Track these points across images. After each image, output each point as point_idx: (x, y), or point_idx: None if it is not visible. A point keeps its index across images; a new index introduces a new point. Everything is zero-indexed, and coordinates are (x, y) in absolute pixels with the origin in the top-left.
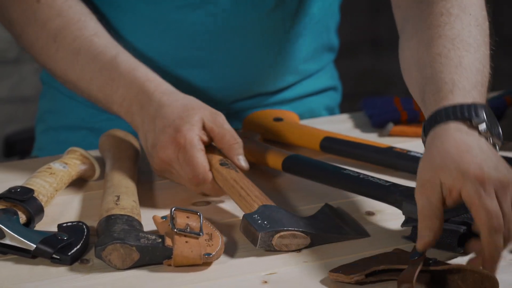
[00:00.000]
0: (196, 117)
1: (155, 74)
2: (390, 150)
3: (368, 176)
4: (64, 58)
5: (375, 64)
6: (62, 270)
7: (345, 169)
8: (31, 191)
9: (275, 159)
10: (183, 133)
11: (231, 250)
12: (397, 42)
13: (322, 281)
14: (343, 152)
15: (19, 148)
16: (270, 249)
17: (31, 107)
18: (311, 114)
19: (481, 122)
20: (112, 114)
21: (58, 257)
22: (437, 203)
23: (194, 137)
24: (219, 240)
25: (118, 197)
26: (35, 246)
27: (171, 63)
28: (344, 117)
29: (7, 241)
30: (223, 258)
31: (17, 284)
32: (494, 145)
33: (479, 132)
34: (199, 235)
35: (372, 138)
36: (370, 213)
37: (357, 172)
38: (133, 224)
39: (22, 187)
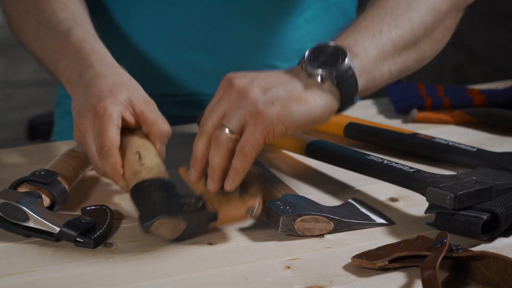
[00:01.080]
0: (125, 95)
1: (104, 47)
2: (414, 136)
3: (392, 162)
4: (29, 30)
5: None
6: (85, 253)
7: (369, 155)
8: (54, 174)
9: (298, 145)
10: (104, 105)
11: (253, 235)
12: None
13: (345, 267)
14: (367, 138)
15: (42, 131)
16: (292, 234)
17: (54, 91)
18: None
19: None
20: None
21: (82, 240)
22: None
23: (115, 111)
24: (256, 193)
25: (139, 153)
26: (58, 229)
27: (176, 46)
28: (368, 103)
29: (31, 224)
30: (246, 243)
31: (41, 267)
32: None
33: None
34: (237, 191)
35: (396, 124)
36: (394, 200)
37: (381, 158)
38: (168, 188)
39: (45, 170)
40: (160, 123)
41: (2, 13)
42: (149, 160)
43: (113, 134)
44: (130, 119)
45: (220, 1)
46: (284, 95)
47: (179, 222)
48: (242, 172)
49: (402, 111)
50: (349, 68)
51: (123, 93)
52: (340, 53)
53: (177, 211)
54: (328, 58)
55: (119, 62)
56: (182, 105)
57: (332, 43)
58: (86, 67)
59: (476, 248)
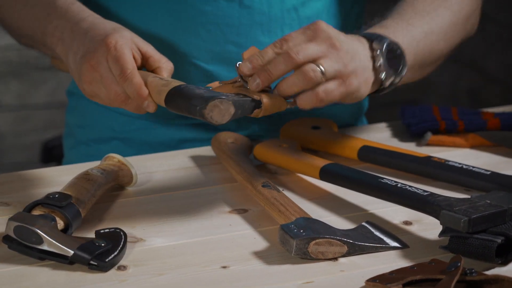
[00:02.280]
0: (128, 34)
1: (91, 11)
2: (428, 159)
3: (405, 185)
4: (18, 8)
5: None
6: (99, 276)
7: (383, 178)
8: (69, 197)
9: (312, 168)
10: (114, 37)
11: (267, 259)
12: None
13: None
14: (381, 161)
15: (56, 154)
16: (306, 257)
17: None
18: (341, 121)
19: (378, 48)
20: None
21: (96, 263)
22: None
23: (125, 42)
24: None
25: (157, 76)
26: (72, 252)
27: (201, 58)
28: (382, 126)
29: (45, 247)
30: (260, 266)
31: None
32: (376, 69)
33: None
34: (271, 88)
35: (410, 147)
36: (408, 223)
37: (395, 181)
38: (207, 89)
39: (60, 193)
40: (164, 59)
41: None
42: (170, 79)
43: (130, 57)
44: (137, 55)
45: (252, 12)
46: (361, 72)
47: (229, 106)
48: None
49: (416, 134)
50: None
51: (125, 31)
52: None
53: (228, 97)
54: (391, 60)
55: None
56: (197, 127)
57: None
58: (78, 22)
59: (490, 272)
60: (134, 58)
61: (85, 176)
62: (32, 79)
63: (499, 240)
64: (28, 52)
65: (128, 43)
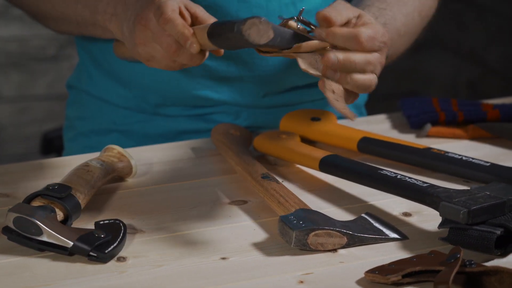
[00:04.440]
0: None
1: None
2: (428, 151)
3: (405, 177)
4: None
5: (414, 64)
6: (99, 267)
7: (383, 170)
8: (68, 188)
9: (312, 159)
10: None
11: (266, 250)
12: (437, 41)
13: (358, 282)
14: (380, 153)
15: (57, 145)
16: (306, 248)
17: None
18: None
19: None
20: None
21: (95, 254)
22: (340, 18)
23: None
24: None
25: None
26: (72, 243)
27: None
28: (382, 117)
29: (44, 238)
30: (259, 258)
31: (54, 281)
32: None
33: None
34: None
35: (410, 139)
36: (407, 214)
37: (395, 173)
38: None
39: (59, 184)
40: (211, 20)
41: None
42: None
43: (173, 5)
44: (186, 14)
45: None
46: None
47: (269, 29)
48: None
49: (416, 126)
50: None
51: None
52: None
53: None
54: None
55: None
56: (197, 119)
57: None
58: None
59: (490, 263)
60: (183, 15)
61: (84, 168)
62: (32, 70)
63: (498, 231)
64: (28, 43)
65: (175, 1)
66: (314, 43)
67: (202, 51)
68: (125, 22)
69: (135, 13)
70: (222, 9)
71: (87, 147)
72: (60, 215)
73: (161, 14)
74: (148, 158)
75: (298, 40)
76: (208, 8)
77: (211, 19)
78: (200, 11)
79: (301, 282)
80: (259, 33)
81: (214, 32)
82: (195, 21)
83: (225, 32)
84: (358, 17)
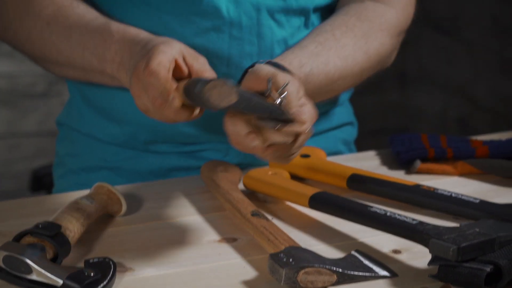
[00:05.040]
0: (178, 45)
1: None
2: (417, 187)
3: (395, 214)
4: (57, 38)
5: (403, 100)
6: None
7: (372, 207)
8: (58, 226)
9: (302, 196)
10: (158, 45)
11: (256, 287)
12: (426, 77)
13: None
14: (370, 189)
15: (46, 182)
16: (296, 286)
17: None
18: (330, 149)
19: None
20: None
21: None
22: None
23: (167, 49)
24: None
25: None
26: (62, 282)
27: None
28: (371, 154)
29: (34, 276)
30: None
31: None
32: None
33: None
34: None
35: (399, 175)
36: (397, 251)
37: (384, 210)
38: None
39: (49, 222)
40: (207, 73)
41: (15, 43)
42: None
43: (163, 57)
44: (183, 65)
45: (242, 44)
46: None
47: (232, 93)
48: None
49: (405, 162)
50: None
51: (176, 43)
52: None
53: (236, 86)
54: None
55: (123, 108)
56: (187, 156)
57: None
58: (136, 43)
59: None
60: (180, 65)
61: (74, 205)
62: (22, 107)
63: (488, 268)
64: (18, 80)
65: (170, 51)
66: (298, 129)
67: (189, 107)
68: (129, 72)
69: (135, 63)
70: (214, 48)
71: (77, 184)
72: (49, 253)
73: (146, 66)
74: (138, 196)
75: (269, 111)
76: (199, 47)
77: (206, 73)
78: (197, 63)
79: None
80: (220, 96)
81: (185, 89)
82: (192, 74)
83: (192, 90)
84: (273, 78)
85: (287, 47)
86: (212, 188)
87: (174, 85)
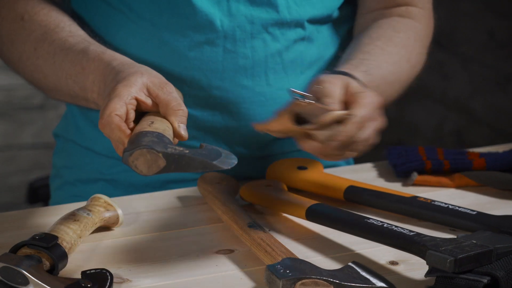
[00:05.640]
0: (139, 79)
1: (123, 55)
2: (414, 199)
3: (392, 225)
4: (43, 63)
5: (400, 114)
6: None
7: (369, 218)
8: (55, 238)
9: (298, 208)
10: (116, 88)
11: None
12: (423, 91)
13: None
14: (367, 201)
15: (43, 194)
16: None
17: None
18: (327, 161)
19: None
20: None
21: None
22: (338, 90)
23: (124, 91)
24: None
25: (153, 122)
26: None
27: (186, 103)
28: (368, 166)
29: (31, 287)
30: None
31: None
32: None
33: None
34: None
35: (396, 187)
36: (394, 263)
37: (381, 222)
38: (163, 139)
39: (46, 234)
40: (173, 102)
41: (10, 64)
42: (158, 125)
43: (115, 104)
44: (146, 100)
45: (224, 57)
46: None
47: (158, 158)
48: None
49: (402, 175)
50: None
51: (137, 78)
52: None
53: (160, 148)
54: None
55: None
56: None
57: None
58: (108, 73)
59: None
60: (143, 102)
61: (71, 217)
62: (18, 119)
63: (485, 280)
64: (15, 93)
65: (127, 92)
66: (336, 113)
67: None
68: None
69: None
70: (209, 61)
71: (74, 196)
72: (46, 264)
73: (100, 117)
74: (135, 207)
75: (202, 165)
76: (193, 60)
77: (172, 102)
78: (162, 93)
79: None
80: (147, 163)
81: (128, 141)
82: (159, 105)
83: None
84: (347, 87)
85: (281, 60)
86: (209, 200)
87: (127, 132)
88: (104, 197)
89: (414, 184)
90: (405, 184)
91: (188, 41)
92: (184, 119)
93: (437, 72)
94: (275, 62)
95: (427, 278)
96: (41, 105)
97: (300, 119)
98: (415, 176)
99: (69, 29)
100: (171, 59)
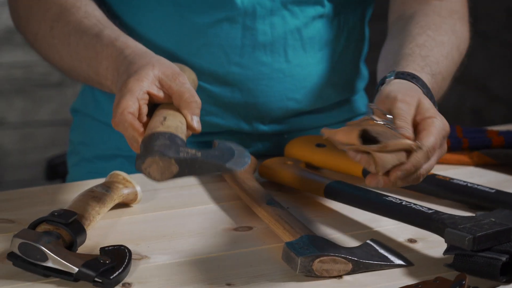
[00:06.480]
0: (150, 72)
1: (136, 41)
2: (432, 177)
3: (410, 203)
4: (59, 44)
5: None
6: None
7: (388, 196)
8: (74, 214)
9: (317, 186)
10: (127, 82)
11: (271, 277)
12: None
13: None
14: None
15: (61, 171)
16: (311, 275)
17: None
18: None
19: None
20: None
21: (100, 280)
22: (412, 112)
23: (136, 86)
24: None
25: (165, 117)
26: (77, 269)
27: (206, 80)
28: None
29: (49, 264)
30: (264, 284)
31: None
32: None
33: None
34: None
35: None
36: (412, 241)
37: (400, 199)
38: (175, 140)
39: (65, 210)
40: (186, 94)
41: (27, 40)
42: (171, 122)
43: (127, 101)
44: (158, 93)
45: (243, 34)
46: None
47: (170, 165)
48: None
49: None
50: None
51: (148, 70)
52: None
53: (172, 154)
54: None
55: None
56: (203, 145)
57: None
58: (121, 62)
59: None
60: (155, 95)
61: (90, 194)
62: (37, 96)
63: (503, 258)
64: (33, 69)
65: (139, 86)
66: (407, 143)
67: None
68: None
69: (119, 87)
70: (228, 38)
71: (91, 173)
72: (65, 241)
73: (113, 115)
74: (153, 184)
75: (219, 168)
76: (212, 37)
77: (185, 94)
78: (175, 84)
79: None
80: (160, 170)
81: (141, 143)
82: (172, 97)
83: (140, 151)
84: (418, 106)
85: (300, 37)
86: (227, 177)
87: (141, 130)
88: (123, 174)
89: None
90: None
91: (208, 18)
92: (198, 111)
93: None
94: (294, 38)
95: (446, 256)
96: (59, 82)
97: (368, 137)
98: None
99: (85, 9)
100: (191, 35)
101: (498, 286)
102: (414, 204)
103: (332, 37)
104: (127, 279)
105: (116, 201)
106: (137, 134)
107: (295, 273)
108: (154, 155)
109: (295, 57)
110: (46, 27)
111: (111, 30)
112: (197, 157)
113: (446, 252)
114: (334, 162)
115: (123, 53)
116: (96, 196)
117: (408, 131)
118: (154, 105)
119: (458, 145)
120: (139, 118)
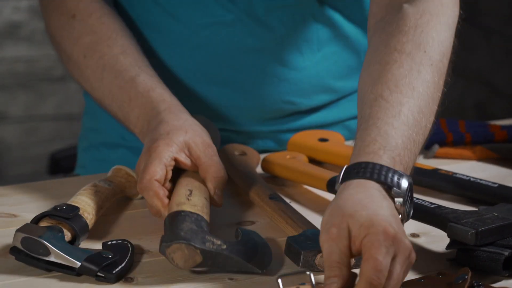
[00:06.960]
0: (181, 138)
1: (172, 95)
2: (435, 172)
3: (413, 197)
4: (91, 75)
5: None
6: None
7: None
8: (76, 208)
9: (320, 180)
10: (157, 145)
11: (274, 271)
12: None
13: None
14: None
15: (64, 166)
16: (314, 269)
17: (76, 125)
18: (347, 136)
19: (399, 196)
20: None
21: (103, 275)
22: (345, 250)
23: (165, 151)
24: None
25: (191, 191)
26: (80, 263)
27: (200, 81)
28: None
29: (52, 258)
30: (267, 278)
31: None
32: (401, 220)
33: (394, 203)
34: None
35: (417, 160)
36: (415, 235)
37: None
38: (201, 224)
39: (67, 205)
40: (213, 168)
41: (60, 57)
42: (197, 199)
43: (155, 168)
44: (185, 161)
45: (238, 37)
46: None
47: (195, 254)
48: None
49: (424, 147)
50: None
51: (180, 135)
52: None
53: (198, 244)
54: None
55: None
56: None
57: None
58: (154, 116)
59: (498, 285)
60: (182, 162)
61: (92, 188)
62: (40, 90)
63: (506, 252)
64: (37, 64)
65: (168, 151)
66: None
67: None
68: (145, 146)
69: (147, 144)
70: (222, 39)
71: (96, 161)
72: (68, 235)
73: (140, 180)
74: None
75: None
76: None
77: (213, 167)
78: (204, 156)
79: None
80: (184, 257)
81: (166, 221)
82: (199, 168)
83: (165, 231)
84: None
85: (296, 40)
86: (230, 172)
87: (165, 202)
88: (126, 168)
89: (436, 157)
90: (426, 157)
91: (202, 20)
92: (222, 186)
93: (459, 44)
94: (290, 42)
95: (448, 250)
96: (62, 76)
97: None
98: (437, 148)
99: (121, 43)
100: (183, 36)
101: (501, 280)
102: (417, 198)
103: (328, 38)
104: (129, 274)
105: (119, 196)
106: (160, 204)
107: (297, 267)
108: (181, 242)
109: (291, 60)
110: (79, 54)
111: (148, 77)
112: (222, 251)
113: (448, 246)
114: (337, 156)
115: (158, 107)
116: (98, 191)
117: (337, 282)
118: (178, 169)
119: (461, 139)
120: (164, 185)
